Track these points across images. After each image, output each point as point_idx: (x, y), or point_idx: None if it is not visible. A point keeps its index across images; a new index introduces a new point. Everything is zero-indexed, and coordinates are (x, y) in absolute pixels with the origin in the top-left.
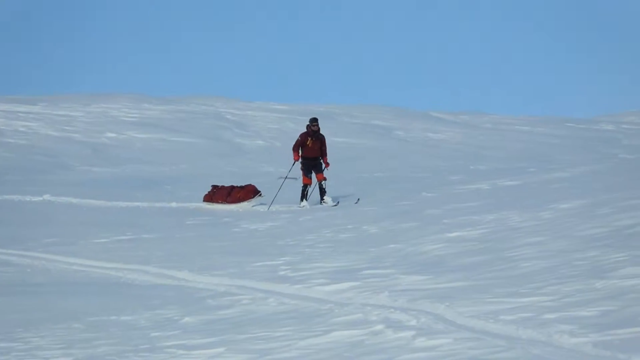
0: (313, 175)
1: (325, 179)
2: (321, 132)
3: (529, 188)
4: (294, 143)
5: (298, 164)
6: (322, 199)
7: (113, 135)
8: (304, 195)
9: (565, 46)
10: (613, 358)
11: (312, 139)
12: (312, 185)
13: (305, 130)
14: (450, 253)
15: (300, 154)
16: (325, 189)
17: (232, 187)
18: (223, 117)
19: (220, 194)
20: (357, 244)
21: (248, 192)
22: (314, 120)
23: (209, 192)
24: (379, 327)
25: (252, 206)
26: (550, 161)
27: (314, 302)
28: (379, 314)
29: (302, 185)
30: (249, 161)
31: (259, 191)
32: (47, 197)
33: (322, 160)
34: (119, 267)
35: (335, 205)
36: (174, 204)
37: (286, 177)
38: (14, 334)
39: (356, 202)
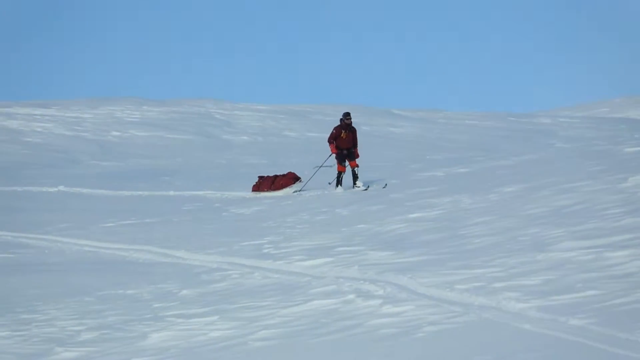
0: (347, 163)
1: (357, 165)
2: (352, 125)
3: (477, 174)
4: (328, 135)
5: (328, 152)
6: (354, 183)
7: (117, 133)
8: (338, 182)
9: (508, 48)
10: (554, 320)
11: (345, 132)
12: (345, 173)
13: (339, 123)
14: (411, 231)
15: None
16: (358, 175)
17: (275, 176)
18: (213, 117)
19: (265, 184)
20: (330, 224)
21: (289, 179)
22: (347, 115)
23: (256, 182)
24: (351, 296)
25: (293, 191)
26: (495, 151)
27: (294, 276)
28: (350, 285)
29: (336, 172)
30: (235, 154)
31: (299, 177)
32: (61, 188)
33: (353, 150)
34: (124, 247)
35: (366, 190)
36: (171, 192)
37: (321, 166)
38: (34, 307)
39: (384, 187)
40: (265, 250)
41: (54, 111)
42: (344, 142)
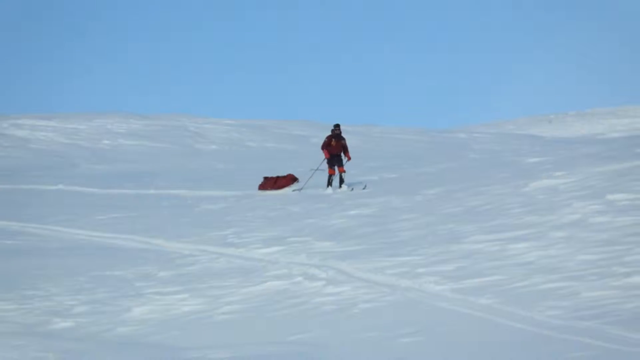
0: (336, 168)
1: (344, 171)
2: (341, 135)
3: (405, 179)
4: (322, 143)
5: (322, 158)
6: (340, 185)
7: (108, 142)
8: (329, 183)
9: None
10: (465, 300)
11: (335, 140)
12: (335, 176)
13: (330, 133)
14: (350, 226)
15: (325, 153)
16: (344, 179)
17: (277, 177)
18: (187, 129)
19: (269, 183)
20: (283, 219)
21: (288, 180)
22: (337, 126)
23: (261, 182)
24: (299, 278)
25: (292, 190)
26: (419, 160)
27: (253, 261)
28: (299, 270)
29: (327, 175)
30: (205, 160)
31: (297, 178)
32: (60, 186)
33: (343, 156)
34: (112, 236)
35: (351, 190)
36: (152, 191)
37: (317, 169)
38: (36, 285)
39: (364, 188)
40: (229, 240)
41: (55, 123)
42: (334, 149)
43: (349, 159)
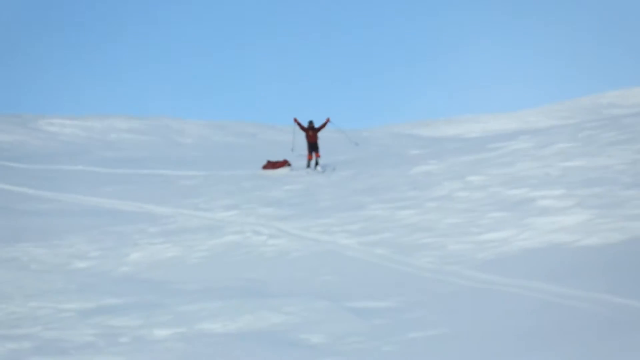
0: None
1: (320, 156)
2: (315, 126)
3: (324, 166)
4: (301, 127)
5: (305, 147)
6: (316, 166)
7: (115, 135)
8: (308, 165)
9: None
10: (366, 250)
11: (312, 131)
12: (312, 160)
13: (307, 125)
14: (285, 197)
15: (306, 139)
16: (319, 162)
17: (277, 161)
18: (170, 127)
19: (269, 166)
20: (238, 192)
21: (283, 163)
22: (310, 121)
23: (264, 164)
24: (249, 234)
25: (291, 171)
26: (335, 151)
27: (216, 221)
28: (249, 228)
29: (307, 159)
30: (184, 150)
31: (290, 164)
32: (80, 167)
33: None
34: (116, 202)
35: (323, 172)
36: (145, 171)
37: (300, 154)
38: (61, 236)
39: (333, 170)
40: (200, 206)
41: (77, 122)
42: (311, 138)
43: (328, 120)
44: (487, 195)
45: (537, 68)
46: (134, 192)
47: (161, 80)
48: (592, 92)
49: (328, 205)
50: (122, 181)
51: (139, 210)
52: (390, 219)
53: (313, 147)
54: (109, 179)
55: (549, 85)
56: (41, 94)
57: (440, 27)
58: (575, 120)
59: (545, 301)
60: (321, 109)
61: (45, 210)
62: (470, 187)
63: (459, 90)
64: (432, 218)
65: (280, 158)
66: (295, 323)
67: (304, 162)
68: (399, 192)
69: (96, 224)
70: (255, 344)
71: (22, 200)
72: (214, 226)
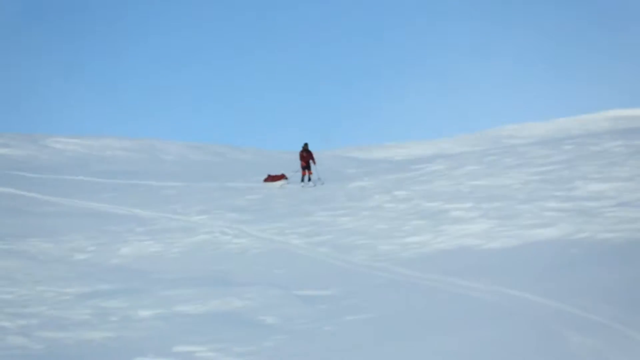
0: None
1: (312, 173)
2: (309, 149)
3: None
4: (299, 155)
5: (299, 165)
6: (308, 181)
7: (110, 152)
8: (302, 180)
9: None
10: (312, 249)
11: (305, 153)
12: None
13: (302, 149)
14: (248, 205)
15: (300, 159)
16: (311, 178)
17: (275, 175)
18: (155, 146)
19: (269, 178)
20: (208, 200)
21: (281, 177)
22: (305, 144)
23: (265, 178)
24: (217, 234)
25: (285, 184)
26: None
27: (191, 223)
28: (217, 229)
29: (301, 175)
30: (165, 165)
31: (287, 178)
32: (80, 177)
33: (312, 163)
34: (111, 206)
35: (314, 186)
36: (134, 181)
37: (296, 171)
38: (64, 233)
39: (322, 184)
40: (178, 210)
41: (79, 140)
42: (305, 160)
43: (315, 163)
44: (410, 207)
45: (450, 104)
46: (125, 199)
47: (149, 106)
48: (495, 125)
49: (282, 212)
50: (115, 189)
51: (128, 213)
52: (332, 224)
53: (306, 166)
54: (105, 187)
55: (460, 119)
56: (48, 114)
57: (370, 64)
58: (481, 148)
59: (456, 293)
60: (266, 134)
61: (51, 212)
62: (396, 199)
63: (388, 121)
64: (365, 224)
65: (278, 172)
66: (253, 307)
67: (299, 177)
68: (339, 203)
69: (93, 224)
70: (222, 323)
71: (32, 203)
72: (189, 227)
